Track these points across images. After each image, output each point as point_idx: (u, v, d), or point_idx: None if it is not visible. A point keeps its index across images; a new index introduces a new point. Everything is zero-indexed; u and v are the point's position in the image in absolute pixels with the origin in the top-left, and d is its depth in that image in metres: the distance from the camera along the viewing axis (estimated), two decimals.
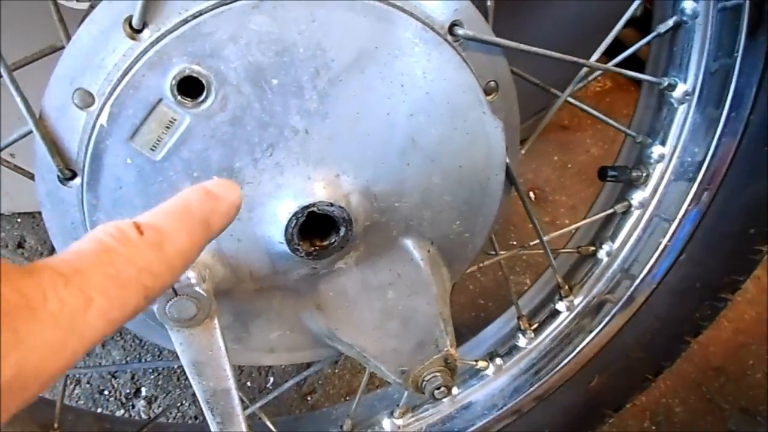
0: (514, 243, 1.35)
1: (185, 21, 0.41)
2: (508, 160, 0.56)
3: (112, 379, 1.13)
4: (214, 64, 0.41)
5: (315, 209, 0.47)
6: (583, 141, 1.56)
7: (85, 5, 0.70)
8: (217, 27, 0.40)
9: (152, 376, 1.14)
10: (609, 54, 0.63)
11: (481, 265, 0.74)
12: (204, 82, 0.41)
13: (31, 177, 0.49)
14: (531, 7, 1.04)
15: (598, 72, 0.63)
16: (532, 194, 1.46)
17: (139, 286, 0.26)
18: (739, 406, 1.20)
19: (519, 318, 0.82)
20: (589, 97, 1.62)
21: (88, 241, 0.26)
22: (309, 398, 1.15)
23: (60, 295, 0.23)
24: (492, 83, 0.53)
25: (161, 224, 0.29)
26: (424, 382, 0.60)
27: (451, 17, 0.48)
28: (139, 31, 0.41)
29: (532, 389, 0.83)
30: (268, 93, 0.43)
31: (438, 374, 0.60)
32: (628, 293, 0.77)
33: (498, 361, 0.84)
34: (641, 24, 0.68)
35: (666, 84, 0.65)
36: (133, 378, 1.13)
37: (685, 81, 0.65)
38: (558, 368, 0.82)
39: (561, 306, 0.81)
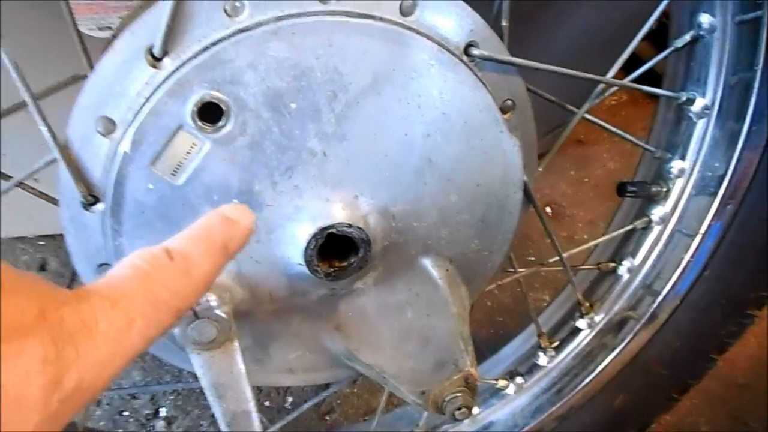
0: (532, 259, 1.34)
1: (205, 49, 0.41)
2: (525, 178, 0.56)
3: (132, 400, 1.13)
4: (233, 90, 0.42)
5: (334, 230, 0.47)
6: (600, 155, 1.55)
7: (106, 34, 0.72)
8: (236, 54, 0.41)
9: (171, 397, 1.14)
10: (625, 68, 0.63)
11: (500, 282, 0.73)
12: (224, 107, 0.42)
13: (55, 202, 0.50)
14: (545, 22, 1.05)
15: (614, 88, 0.62)
16: (549, 209, 1.45)
17: (171, 307, 0.29)
18: (767, 424, 1.17)
19: (539, 336, 0.81)
20: (604, 111, 1.61)
21: (127, 267, 0.29)
22: (327, 418, 1.14)
23: (108, 317, 0.26)
24: (508, 102, 0.53)
25: (188, 250, 0.32)
26: (445, 403, 0.60)
27: (466, 38, 0.48)
28: (160, 60, 0.42)
29: (553, 409, 0.81)
30: (286, 117, 0.44)
31: (459, 394, 0.60)
32: (651, 310, 0.76)
33: (518, 379, 0.83)
34: (656, 38, 0.68)
35: (685, 99, 0.65)
36: (152, 399, 1.14)
37: (704, 95, 0.65)
38: (580, 387, 0.81)
39: (582, 323, 0.80)
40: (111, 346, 0.26)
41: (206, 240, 0.33)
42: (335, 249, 0.49)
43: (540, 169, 0.61)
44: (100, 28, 0.72)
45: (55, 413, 0.23)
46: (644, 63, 0.65)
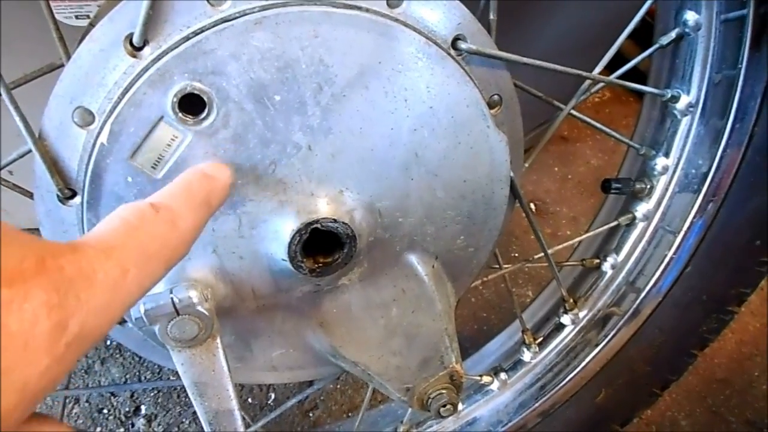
0: (517, 255, 1.34)
1: (186, 38, 0.40)
2: (512, 174, 0.56)
3: (112, 398, 1.11)
4: (215, 81, 0.41)
5: (318, 226, 0.46)
6: (583, 152, 1.56)
7: (84, 23, 0.70)
8: (218, 44, 0.40)
9: (152, 394, 1.12)
10: (609, 67, 0.63)
11: (485, 279, 0.73)
12: (205, 99, 0.41)
13: (30, 196, 0.48)
14: (532, 19, 1.05)
15: (600, 84, 0.62)
16: (532, 206, 1.46)
17: (161, 257, 0.31)
18: (745, 418, 1.18)
19: (523, 332, 0.81)
20: (589, 108, 1.62)
21: (115, 220, 0.31)
22: (311, 414, 1.13)
23: (104, 267, 0.27)
24: (495, 97, 0.52)
25: (171, 204, 0.33)
26: (430, 400, 0.59)
27: (453, 31, 0.47)
28: (140, 49, 0.41)
29: (537, 404, 0.82)
30: (270, 109, 0.43)
31: (444, 391, 0.59)
32: (634, 306, 0.76)
33: (502, 375, 0.83)
34: (640, 36, 0.68)
35: (669, 96, 0.65)
36: (132, 396, 1.12)
37: (688, 93, 0.65)
38: (563, 383, 0.81)
39: (566, 319, 0.80)
40: (109, 295, 0.27)
41: (188, 194, 0.35)
42: (320, 244, 0.49)
43: (526, 166, 0.61)
44: (77, 17, 0.70)
45: (62, 357, 0.24)
46: (628, 61, 0.65)
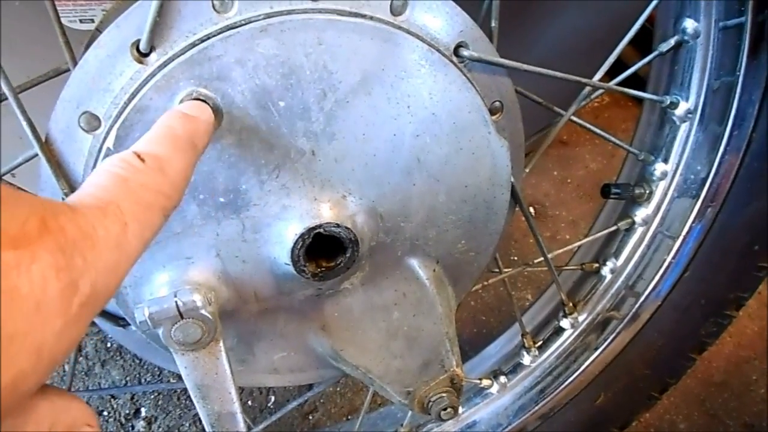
0: (516, 258, 1.35)
1: (193, 45, 0.41)
2: (513, 179, 0.56)
3: (112, 400, 1.12)
4: (221, 86, 0.41)
5: (321, 230, 0.47)
6: (582, 156, 1.57)
7: (88, 26, 0.70)
8: (224, 50, 0.41)
9: (152, 397, 1.13)
10: (609, 72, 0.63)
11: (485, 283, 0.74)
12: (211, 104, 0.41)
13: None
14: (530, 26, 1.05)
15: (600, 91, 0.63)
16: (532, 209, 1.46)
17: (157, 206, 0.30)
18: (743, 421, 1.19)
19: (523, 335, 0.82)
20: (588, 113, 1.63)
21: (102, 175, 0.29)
22: (311, 417, 1.14)
23: (103, 224, 0.26)
24: (497, 103, 0.53)
25: (157, 150, 0.32)
26: (431, 403, 0.60)
27: (456, 38, 0.48)
28: (147, 55, 0.41)
29: (536, 408, 0.82)
30: (274, 115, 0.43)
31: (444, 395, 0.60)
32: (633, 310, 0.77)
33: (502, 379, 0.84)
34: (639, 42, 0.69)
35: (668, 102, 0.66)
36: (132, 398, 1.12)
37: (687, 99, 0.66)
38: (563, 386, 0.81)
39: (565, 323, 0.81)
40: (113, 252, 0.26)
41: (172, 138, 0.34)
42: (322, 249, 0.49)
43: (527, 171, 0.62)
44: (82, 21, 0.71)
45: (77, 318, 0.24)
46: (627, 67, 0.65)
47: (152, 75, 0.41)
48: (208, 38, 0.41)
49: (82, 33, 0.71)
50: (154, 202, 0.30)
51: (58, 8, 0.68)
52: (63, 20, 0.71)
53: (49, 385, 0.27)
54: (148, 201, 0.29)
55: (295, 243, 0.47)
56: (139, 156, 0.31)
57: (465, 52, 0.48)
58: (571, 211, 1.47)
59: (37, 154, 0.44)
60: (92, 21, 0.70)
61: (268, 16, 0.41)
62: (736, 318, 1.31)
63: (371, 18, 0.44)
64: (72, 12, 0.68)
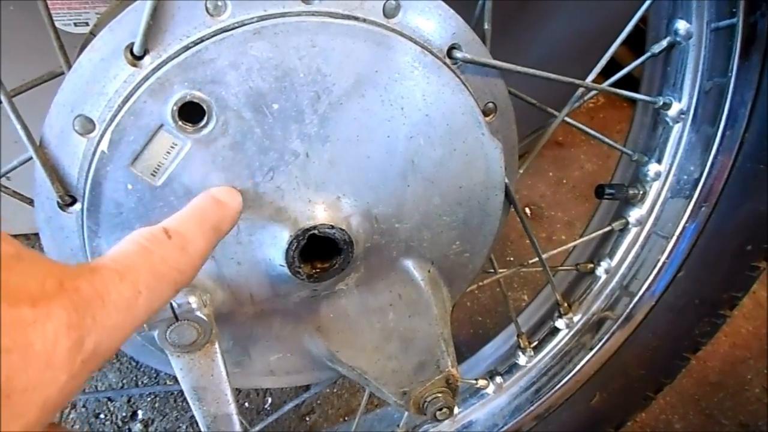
0: (512, 259, 1.35)
1: (186, 48, 0.41)
2: (507, 181, 0.56)
3: (108, 403, 1.11)
4: (215, 89, 0.41)
5: (316, 232, 0.47)
6: (578, 157, 1.57)
7: (82, 29, 0.70)
8: (218, 54, 0.41)
9: (149, 399, 1.12)
10: (603, 72, 0.63)
11: (480, 284, 0.74)
12: (205, 107, 0.42)
13: (30, 202, 0.49)
14: (523, 28, 1.06)
15: (593, 92, 0.63)
16: (527, 210, 1.47)
17: (171, 281, 0.32)
18: (738, 421, 1.19)
19: (518, 336, 0.82)
20: (583, 114, 1.64)
21: (129, 243, 0.32)
22: (307, 419, 1.14)
23: (118, 288, 0.28)
24: (490, 104, 0.53)
25: (183, 229, 0.35)
26: (426, 404, 0.60)
27: (449, 41, 0.48)
28: (140, 58, 0.41)
29: (532, 408, 0.82)
30: (268, 118, 0.43)
31: (440, 395, 0.60)
32: (627, 310, 0.77)
33: (498, 379, 0.84)
34: (633, 42, 0.69)
35: (661, 103, 0.66)
36: (129, 401, 1.12)
37: (680, 100, 0.66)
38: (558, 386, 0.82)
39: (560, 323, 0.81)
40: (121, 315, 0.28)
41: (200, 220, 0.37)
42: (317, 250, 0.49)
43: (521, 172, 0.62)
44: (76, 24, 0.71)
45: (78, 374, 0.25)
46: (621, 67, 0.66)
47: (146, 78, 0.41)
48: (202, 41, 0.41)
49: (77, 36, 0.71)
50: (169, 275, 0.32)
51: (52, 12, 0.68)
52: (57, 23, 0.71)
53: (56, 425, 0.30)
54: (164, 274, 0.31)
55: (290, 244, 0.47)
56: (166, 232, 0.33)
57: (458, 54, 0.49)
58: (567, 211, 1.47)
59: (31, 158, 0.44)
60: (86, 24, 0.70)
61: (262, 18, 0.41)
62: (731, 318, 1.32)
63: (364, 21, 0.44)
64: (66, 15, 0.68)
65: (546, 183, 1.52)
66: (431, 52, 0.46)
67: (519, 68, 0.52)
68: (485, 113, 0.53)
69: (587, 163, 1.57)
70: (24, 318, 0.23)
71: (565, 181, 1.53)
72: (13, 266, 0.24)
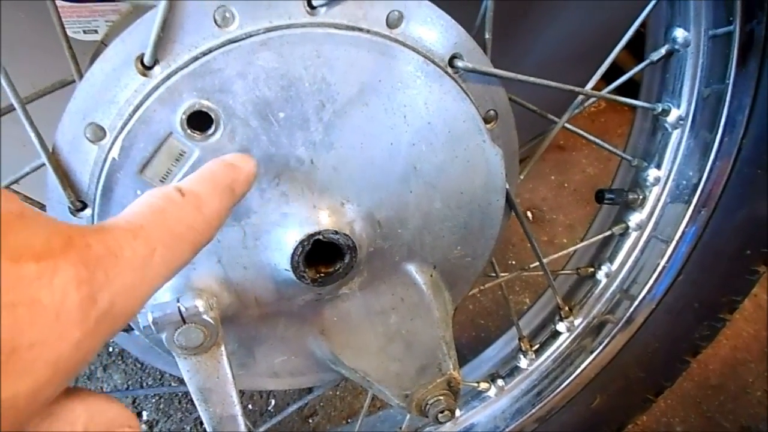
0: (513, 263, 1.36)
1: (195, 58, 0.42)
2: (507, 186, 0.57)
3: None
4: (222, 98, 0.43)
5: (320, 237, 0.48)
6: (579, 161, 1.58)
7: (91, 37, 0.72)
8: (226, 64, 0.42)
9: (153, 400, 1.14)
10: (605, 77, 0.64)
11: (482, 287, 0.75)
12: (213, 116, 0.43)
13: (41, 207, 0.50)
14: (525, 32, 1.07)
15: (593, 99, 0.64)
16: (529, 214, 1.47)
17: (188, 239, 0.31)
18: (740, 424, 1.20)
19: (520, 339, 0.83)
20: (584, 118, 1.64)
21: (142, 204, 0.31)
22: (310, 420, 1.15)
23: (131, 245, 0.27)
24: (491, 112, 0.54)
25: (197, 189, 0.33)
26: (428, 406, 0.61)
27: (451, 50, 0.49)
28: (151, 68, 0.43)
29: (533, 410, 0.83)
30: (274, 125, 0.44)
31: (441, 397, 0.61)
32: (628, 314, 0.78)
33: (499, 382, 0.85)
34: (635, 47, 0.70)
35: (660, 109, 0.67)
36: (134, 402, 1.13)
37: (678, 106, 0.67)
38: (559, 389, 0.82)
39: (561, 327, 0.82)
40: (137, 272, 0.27)
41: (213, 181, 0.35)
42: (321, 255, 0.50)
43: (521, 177, 0.63)
44: (85, 32, 0.72)
45: (93, 332, 0.24)
46: (623, 72, 0.67)
47: (156, 87, 0.42)
48: (210, 52, 0.42)
49: (86, 43, 0.72)
50: (185, 234, 0.31)
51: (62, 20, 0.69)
52: (67, 31, 0.72)
53: (84, 388, 0.28)
54: (179, 232, 0.30)
55: (295, 249, 0.48)
56: (180, 191, 0.32)
57: (459, 63, 0.50)
58: (569, 215, 1.48)
59: (44, 164, 0.45)
60: (96, 32, 0.71)
61: (268, 30, 0.42)
62: (732, 321, 1.33)
63: (368, 31, 0.45)
64: (76, 23, 0.70)
65: (548, 186, 1.53)
66: (433, 62, 0.48)
67: (519, 76, 0.53)
68: (486, 120, 0.54)
69: (589, 166, 1.57)
70: (27, 274, 0.22)
71: (566, 184, 1.54)
72: (14, 224, 0.23)
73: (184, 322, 0.45)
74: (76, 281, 0.24)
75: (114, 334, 0.26)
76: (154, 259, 0.28)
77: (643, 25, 0.64)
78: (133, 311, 0.27)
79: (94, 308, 0.24)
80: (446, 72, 0.48)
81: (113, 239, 0.26)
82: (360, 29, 0.45)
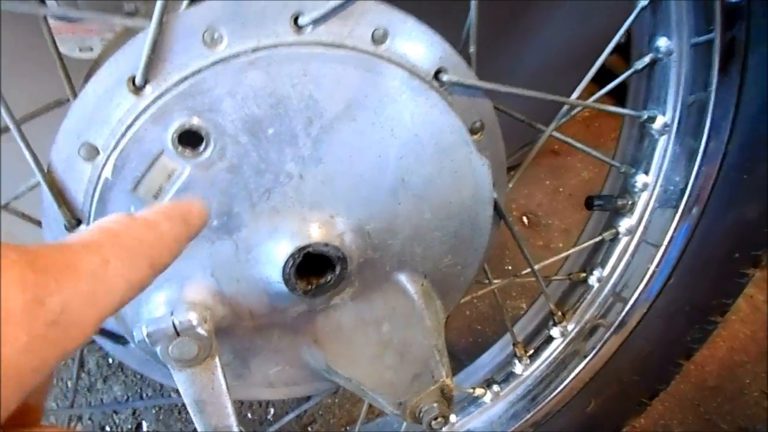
0: (509, 267, 1.37)
1: (185, 78, 0.43)
2: (496, 195, 0.58)
3: (114, 415, 1.13)
4: (212, 117, 0.44)
5: (311, 250, 0.49)
6: (574, 165, 1.59)
7: (87, 55, 0.73)
8: (215, 83, 0.43)
9: (153, 411, 1.14)
10: (596, 80, 0.65)
11: (474, 295, 0.76)
12: (203, 134, 0.44)
13: (38, 224, 0.51)
14: (515, 39, 1.08)
15: (578, 109, 0.65)
16: (525, 219, 1.48)
17: (143, 255, 0.30)
18: (738, 425, 1.20)
19: (514, 345, 0.84)
20: (579, 123, 1.66)
21: (94, 226, 0.31)
22: (309, 428, 1.15)
23: (83, 258, 0.27)
24: (478, 123, 0.55)
25: (147, 215, 0.33)
26: (422, 413, 0.62)
27: (436, 64, 0.50)
28: (142, 88, 0.44)
29: (529, 415, 0.84)
30: (264, 142, 0.46)
31: (435, 405, 0.62)
32: (620, 318, 0.79)
33: (495, 388, 0.85)
34: (626, 51, 0.71)
35: (646, 117, 0.68)
36: (134, 413, 1.14)
37: (664, 114, 0.68)
38: (554, 394, 0.83)
39: (555, 332, 0.83)
40: (90, 281, 0.26)
41: (163, 210, 0.35)
42: (313, 266, 0.51)
43: (510, 185, 0.64)
44: (81, 49, 0.73)
45: (43, 337, 0.23)
46: (615, 76, 0.68)
47: (147, 107, 0.43)
48: (200, 72, 0.43)
49: (82, 61, 0.73)
50: (138, 248, 0.30)
51: (57, 38, 0.71)
52: (62, 49, 0.73)
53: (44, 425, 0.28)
54: (131, 246, 0.30)
55: (286, 262, 0.49)
56: (131, 215, 0.32)
57: (445, 77, 0.51)
58: (564, 219, 1.49)
59: (39, 183, 0.46)
60: (91, 50, 0.73)
61: (256, 50, 0.44)
62: (729, 322, 1.33)
63: (354, 48, 0.46)
64: (71, 41, 0.71)
65: (543, 191, 1.54)
66: (418, 76, 0.49)
67: (503, 87, 0.54)
68: (473, 131, 0.55)
69: (584, 171, 1.59)
70: None
71: (561, 189, 1.55)
72: None
73: (178, 335, 0.46)
74: (21, 283, 0.23)
75: (75, 342, 0.26)
76: (108, 271, 0.28)
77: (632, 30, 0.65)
78: (92, 321, 0.26)
79: (41, 312, 0.24)
80: (431, 86, 0.50)
81: (65, 250, 0.26)
82: (346, 47, 0.46)
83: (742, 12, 0.58)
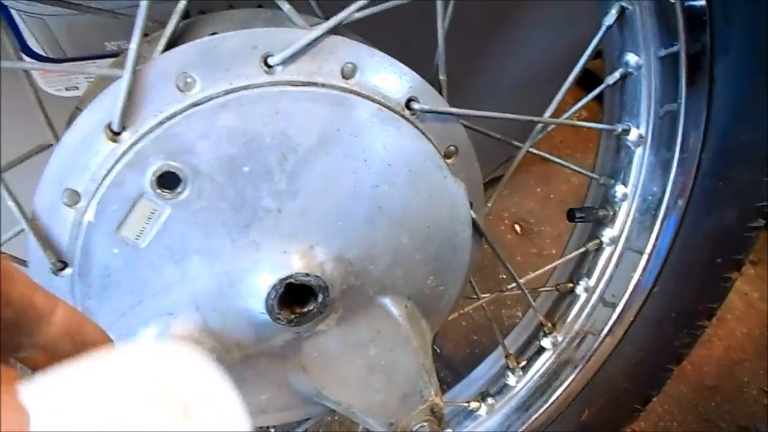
0: (503, 277, 1.38)
1: (160, 123, 0.44)
2: (474, 215, 0.60)
3: None
4: (188, 158, 0.45)
5: (292, 280, 0.50)
6: (564, 171, 1.60)
7: (73, 93, 0.75)
8: (189, 126, 0.44)
9: None
10: (581, 83, 0.66)
11: (461, 311, 0.77)
12: (181, 176, 0.45)
13: (24, 264, 0.53)
14: (497, 52, 1.10)
15: (552, 127, 0.67)
16: (517, 227, 1.50)
17: None
18: (737, 424, 1.21)
19: (506, 357, 0.85)
20: (567, 129, 1.67)
21: None
22: None
23: None
24: (451, 147, 0.57)
25: None
26: None
27: (406, 94, 0.52)
28: (119, 134, 0.45)
29: (524, 427, 0.85)
30: (240, 180, 0.47)
31: (425, 423, 0.63)
32: (609, 326, 0.80)
33: (490, 400, 0.86)
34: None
35: (620, 130, 0.70)
36: None
37: (638, 126, 0.69)
38: (548, 404, 0.84)
39: (546, 342, 0.84)
40: None
41: None
42: (296, 296, 0.52)
43: (489, 205, 0.65)
44: (67, 89, 0.75)
45: None
46: (601, 81, 0.69)
47: (125, 152, 0.45)
48: (174, 116, 0.44)
49: (70, 100, 0.75)
50: None
51: (43, 78, 0.72)
52: (49, 89, 0.75)
53: None
54: None
55: (269, 294, 0.50)
56: None
57: (416, 105, 0.52)
58: (556, 226, 1.50)
59: (23, 229, 0.47)
60: (77, 88, 0.74)
61: (228, 92, 0.45)
62: (724, 321, 1.34)
63: (323, 85, 0.48)
64: (57, 82, 0.72)
65: (534, 199, 1.55)
66: (389, 107, 0.50)
67: (474, 112, 0.55)
68: (447, 156, 0.56)
69: (574, 176, 1.60)
70: None
71: (552, 195, 1.56)
72: None
73: None
74: None
75: None
76: None
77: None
78: None
79: None
80: (402, 115, 0.51)
81: None
82: (316, 83, 0.47)
83: (704, 24, 0.59)
